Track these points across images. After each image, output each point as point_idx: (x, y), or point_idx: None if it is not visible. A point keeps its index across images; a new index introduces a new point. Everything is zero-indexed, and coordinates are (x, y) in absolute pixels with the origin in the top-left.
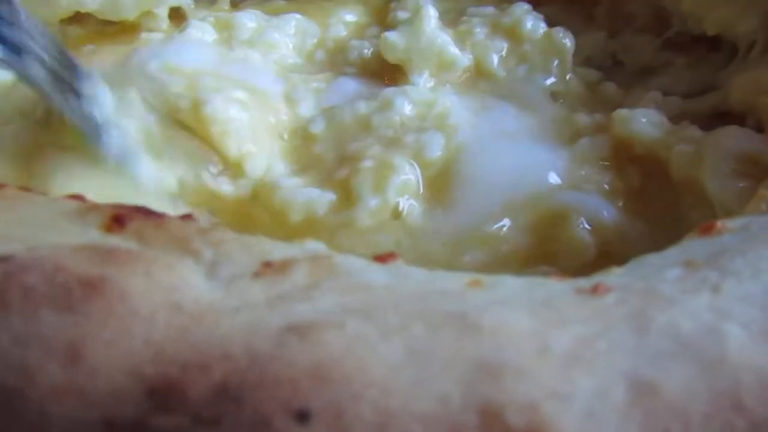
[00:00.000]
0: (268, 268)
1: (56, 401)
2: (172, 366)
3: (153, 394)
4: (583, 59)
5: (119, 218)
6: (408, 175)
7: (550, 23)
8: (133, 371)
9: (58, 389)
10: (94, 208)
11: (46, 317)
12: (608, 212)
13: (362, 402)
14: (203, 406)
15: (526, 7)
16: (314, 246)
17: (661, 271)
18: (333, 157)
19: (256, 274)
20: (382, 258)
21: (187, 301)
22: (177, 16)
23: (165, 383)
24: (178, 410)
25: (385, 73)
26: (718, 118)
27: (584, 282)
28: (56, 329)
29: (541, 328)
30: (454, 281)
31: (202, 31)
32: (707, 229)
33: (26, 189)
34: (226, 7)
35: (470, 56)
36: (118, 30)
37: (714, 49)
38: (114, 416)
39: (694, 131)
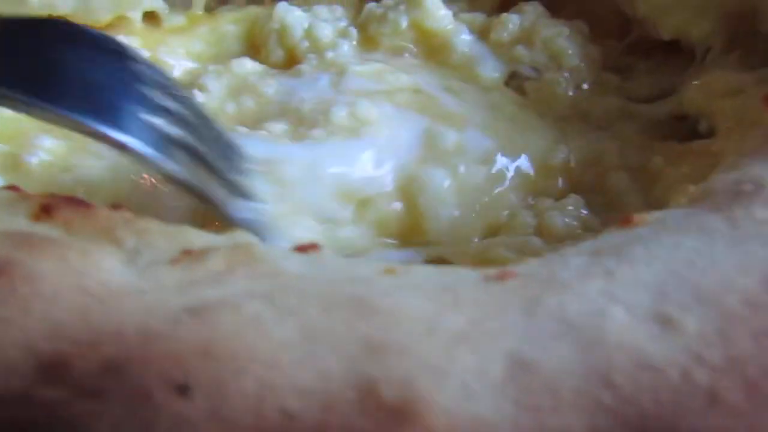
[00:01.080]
0: (187, 255)
1: None
2: (65, 342)
3: (41, 368)
4: None
5: (47, 207)
6: None
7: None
8: (26, 346)
9: None
10: (26, 197)
11: None
12: None
13: (245, 376)
14: (86, 380)
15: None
16: (242, 235)
17: (567, 259)
18: None
19: (174, 261)
20: (303, 248)
21: (93, 284)
22: (151, 18)
23: (55, 358)
24: (62, 382)
25: None
26: (676, 122)
27: (494, 271)
28: None
29: (435, 311)
30: (368, 269)
31: None
32: (625, 222)
33: None
34: (200, 12)
35: None
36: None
37: (674, 53)
38: (3, 388)
39: None
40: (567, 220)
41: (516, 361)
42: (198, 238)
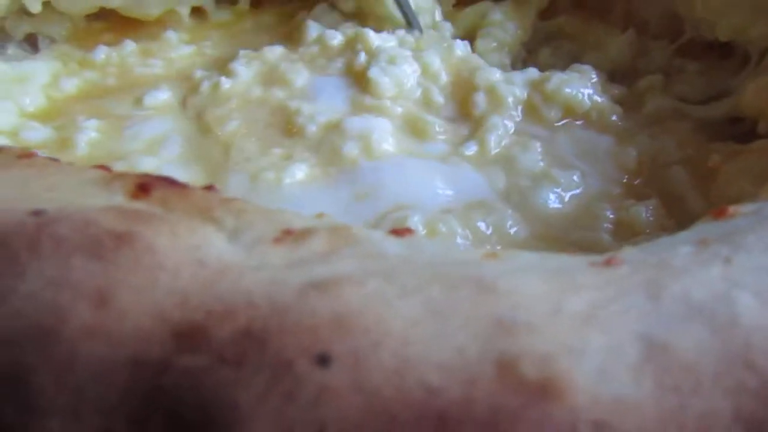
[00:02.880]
0: (288, 235)
1: (86, 341)
2: (197, 312)
3: (178, 336)
4: (610, 68)
5: (144, 186)
6: None
7: (566, 32)
8: (159, 315)
9: (88, 329)
10: (120, 176)
11: (77, 264)
12: None
13: (382, 349)
14: (226, 347)
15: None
16: (334, 219)
17: (674, 247)
18: None
19: (276, 240)
20: (399, 232)
21: (210, 258)
22: (199, 13)
23: (190, 326)
24: (202, 350)
25: None
26: (730, 124)
27: (597, 257)
28: (87, 275)
29: (554, 292)
30: (469, 253)
31: None
32: (720, 213)
33: (53, 159)
34: (247, 7)
35: None
36: (140, 25)
37: (726, 55)
38: (141, 356)
39: None
40: (648, 216)
41: (650, 342)
42: (296, 219)
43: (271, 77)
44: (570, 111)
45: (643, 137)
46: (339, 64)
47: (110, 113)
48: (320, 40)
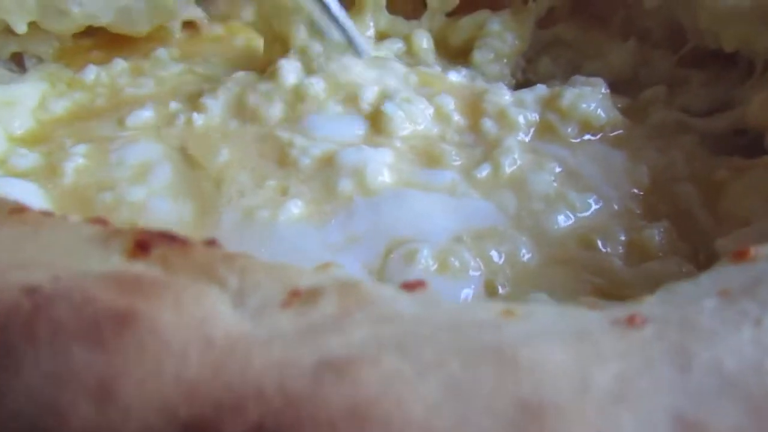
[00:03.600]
0: (296, 297)
1: None
2: (205, 406)
3: None
4: (611, 78)
5: (143, 244)
6: None
7: (565, 41)
8: (166, 411)
9: (91, 427)
10: (117, 233)
11: (77, 354)
12: None
13: None
14: None
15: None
16: (342, 273)
17: (697, 300)
18: None
19: (285, 304)
20: (410, 285)
21: (218, 335)
22: (190, 27)
23: (199, 424)
24: None
25: None
26: (735, 136)
27: (619, 311)
28: (88, 366)
29: (579, 364)
30: (486, 311)
31: None
32: (740, 256)
33: (47, 214)
34: (239, 23)
35: None
36: (129, 42)
37: (730, 65)
38: None
39: None
40: (660, 238)
41: (681, 421)
42: (301, 276)
43: (243, 110)
44: (587, 126)
45: (650, 151)
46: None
47: (96, 135)
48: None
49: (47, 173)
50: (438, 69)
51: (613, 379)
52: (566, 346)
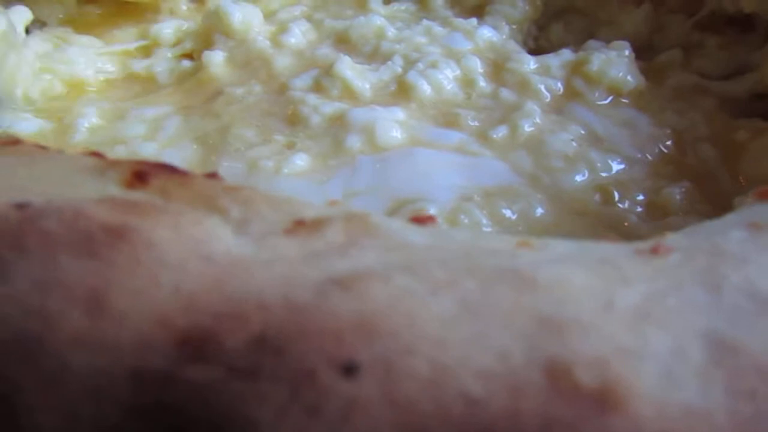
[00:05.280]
0: (301, 225)
1: (78, 351)
2: (205, 316)
3: (185, 345)
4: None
5: (141, 174)
6: None
7: (578, 5)
8: (162, 321)
9: (81, 338)
10: (115, 164)
11: (66, 263)
12: None
13: (415, 355)
14: (240, 357)
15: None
16: (348, 207)
17: (724, 232)
18: None
19: (288, 231)
20: (420, 219)
21: (217, 253)
22: None
23: (198, 333)
24: (212, 361)
25: None
26: (754, 100)
27: (642, 244)
28: (78, 275)
29: (603, 285)
30: (501, 242)
31: None
32: (765, 194)
33: (42, 147)
34: None
35: None
36: (135, 10)
37: (747, 29)
38: (142, 368)
39: None
40: (681, 198)
41: (716, 341)
42: (306, 208)
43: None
44: (614, 91)
45: (670, 114)
46: None
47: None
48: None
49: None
50: (474, 21)
51: (640, 298)
52: (588, 269)
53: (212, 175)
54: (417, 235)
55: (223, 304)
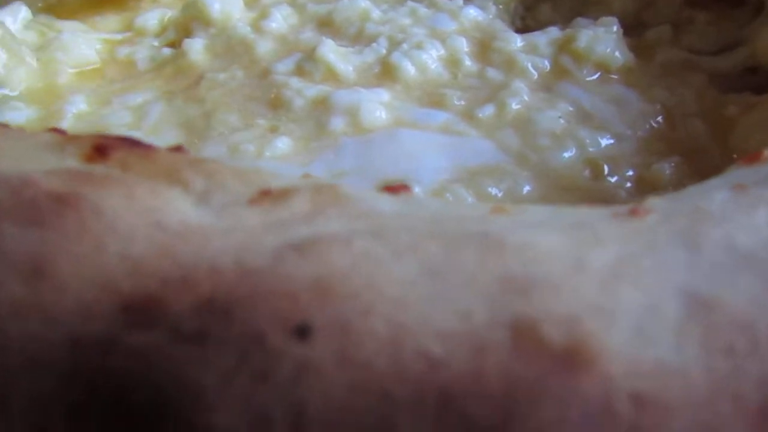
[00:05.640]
0: (266, 195)
1: (16, 318)
2: (151, 280)
3: (128, 310)
4: None
5: (101, 148)
6: None
7: None
8: (106, 286)
9: (19, 305)
10: (75, 138)
11: (8, 231)
12: None
13: (372, 316)
14: (185, 321)
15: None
16: (319, 179)
17: (707, 194)
18: None
19: (252, 201)
20: (394, 188)
21: (171, 221)
22: None
23: (142, 298)
24: (156, 325)
25: None
26: (745, 75)
27: (620, 208)
28: (19, 243)
29: (574, 246)
30: (475, 209)
31: None
32: (753, 158)
33: (2, 125)
34: None
35: None
36: None
37: (737, 4)
38: (81, 334)
39: None
40: (670, 173)
41: (693, 297)
42: (273, 179)
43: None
44: (602, 68)
45: (660, 90)
46: None
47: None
48: None
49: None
50: (459, 2)
51: (613, 258)
52: (561, 232)
53: (178, 149)
54: (388, 203)
55: (173, 269)
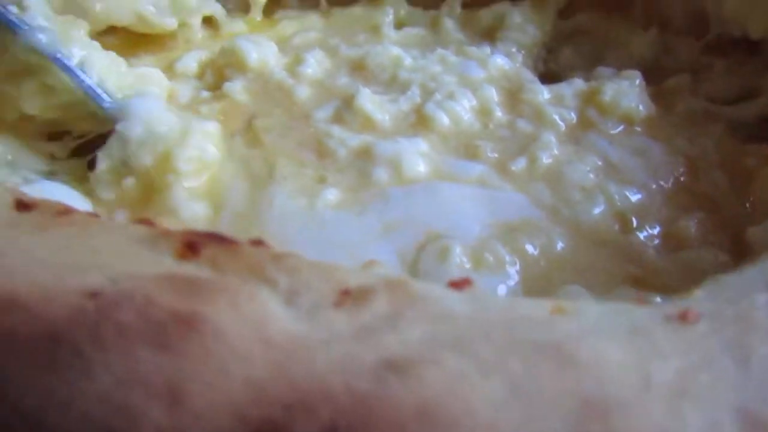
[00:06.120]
0: (347, 296)
1: None
2: (275, 407)
3: None
4: (634, 66)
5: (192, 245)
6: None
7: (587, 29)
8: (236, 413)
9: None
10: (166, 234)
11: (144, 356)
12: None
13: None
14: None
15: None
16: (386, 271)
17: (748, 295)
18: None
19: (336, 303)
20: (457, 284)
21: (276, 335)
22: (212, 24)
23: (270, 425)
24: None
25: None
26: (763, 124)
27: (670, 307)
28: (156, 369)
29: (639, 360)
30: (536, 308)
31: None
32: None
33: (92, 215)
34: (259, 18)
35: None
36: (151, 39)
37: (754, 51)
38: None
39: None
40: (695, 230)
41: (748, 417)
42: (349, 275)
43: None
44: (626, 120)
45: (681, 140)
46: None
47: None
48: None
49: None
50: (487, 50)
51: (674, 375)
52: (623, 343)
53: (257, 242)
54: (457, 302)
55: (291, 392)
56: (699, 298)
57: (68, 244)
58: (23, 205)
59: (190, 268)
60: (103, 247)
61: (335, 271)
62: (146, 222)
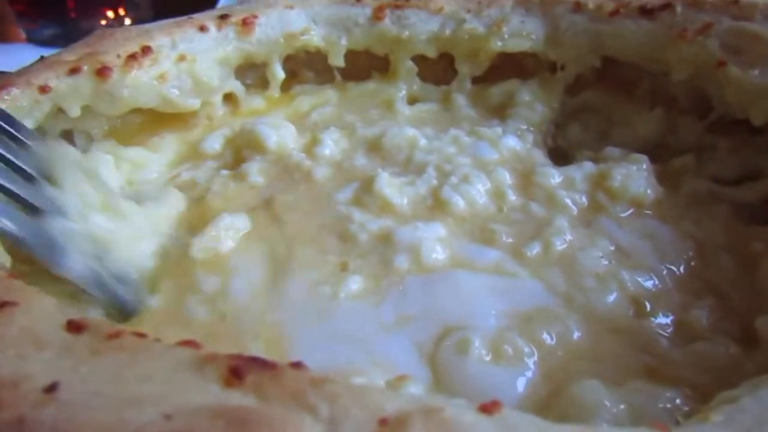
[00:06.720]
0: (385, 425)
1: None
2: None
3: None
4: (639, 144)
5: (237, 371)
6: None
7: (593, 105)
8: None
9: None
10: (211, 359)
11: None
12: None
13: None
14: None
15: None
16: (421, 395)
17: (763, 425)
18: None
19: None
20: (487, 408)
21: None
22: (231, 101)
23: None
24: None
25: None
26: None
27: None
28: None
29: None
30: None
31: None
32: None
33: (140, 335)
34: (277, 95)
35: None
36: (173, 116)
37: (757, 131)
38: None
39: None
40: (707, 319)
41: None
42: (385, 399)
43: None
44: (635, 203)
45: (689, 223)
46: None
47: None
48: None
49: None
50: (499, 130)
51: None
52: None
53: (297, 365)
54: (488, 428)
55: None
56: (718, 424)
57: (118, 372)
58: (75, 327)
59: (236, 397)
60: (153, 373)
61: (371, 395)
62: (191, 344)
